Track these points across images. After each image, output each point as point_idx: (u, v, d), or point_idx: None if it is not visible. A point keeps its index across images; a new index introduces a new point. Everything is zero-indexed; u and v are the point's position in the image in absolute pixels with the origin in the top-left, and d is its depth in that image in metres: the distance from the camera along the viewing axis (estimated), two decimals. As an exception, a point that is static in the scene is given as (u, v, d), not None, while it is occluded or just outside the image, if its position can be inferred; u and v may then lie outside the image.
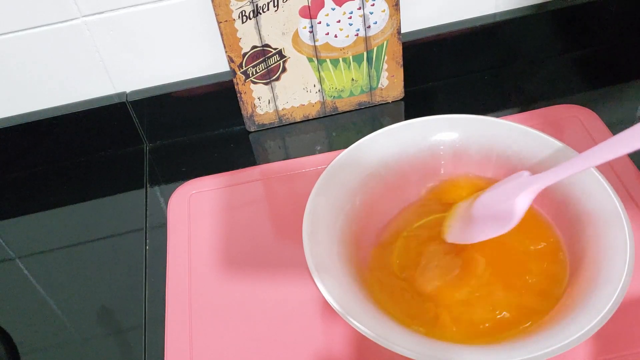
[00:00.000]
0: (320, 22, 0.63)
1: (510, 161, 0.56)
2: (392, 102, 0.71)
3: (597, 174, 0.51)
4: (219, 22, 0.62)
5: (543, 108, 0.67)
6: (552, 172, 0.46)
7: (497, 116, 0.61)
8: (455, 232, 0.53)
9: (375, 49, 0.66)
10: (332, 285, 0.47)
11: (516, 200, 0.47)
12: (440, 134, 0.58)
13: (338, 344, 0.51)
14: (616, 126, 0.64)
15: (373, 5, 0.63)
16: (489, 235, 0.49)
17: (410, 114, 0.70)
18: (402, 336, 0.45)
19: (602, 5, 0.70)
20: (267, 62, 0.66)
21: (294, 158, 0.66)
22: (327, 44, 0.65)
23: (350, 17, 0.64)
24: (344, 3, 0.62)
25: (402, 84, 0.70)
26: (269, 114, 0.70)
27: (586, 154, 0.44)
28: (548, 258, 0.52)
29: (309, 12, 0.63)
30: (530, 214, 0.55)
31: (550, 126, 0.64)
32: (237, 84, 0.67)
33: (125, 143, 0.72)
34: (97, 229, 0.65)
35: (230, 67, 0.66)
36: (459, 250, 0.53)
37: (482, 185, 0.57)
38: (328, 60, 0.66)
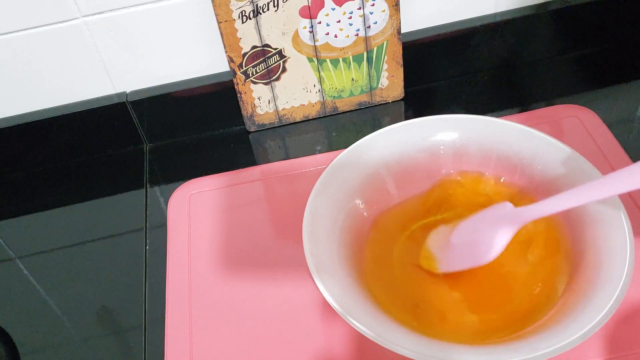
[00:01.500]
0: (320, 22, 0.63)
1: (510, 161, 0.56)
2: (392, 102, 0.71)
3: (597, 174, 0.51)
4: (219, 22, 0.62)
5: (543, 108, 0.67)
6: (538, 206, 0.44)
7: (497, 116, 0.61)
8: (431, 258, 0.51)
9: (375, 49, 0.66)
10: (332, 285, 0.47)
11: (497, 234, 0.45)
12: (440, 134, 0.58)
13: (338, 344, 0.51)
14: (616, 126, 0.64)
15: (373, 5, 0.63)
16: (465, 266, 0.48)
17: (410, 114, 0.70)
18: (402, 336, 0.45)
19: (602, 5, 0.70)
20: (267, 62, 0.66)
21: (294, 158, 0.66)
22: (327, 44, 0.65)
23: (350, 17, 0.64)
24: (344, 3, 0.62)
25: (402, 84, 0.70)
26: (269, 114, 0.70)
27: (576, 191, 0.43)
28: (548, 256, 0.52)
29: (309, 12, 0.63)
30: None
31: (550, 126, 0.64)
32: (237, 84, 0.67)
33: (125, 143, 0.72)
34: (97, 229, 0.65)
35: (230, 67, 0.66)
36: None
37: (483, 186, 0.57)
38: (328, 60, 0.66)
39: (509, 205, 0.47)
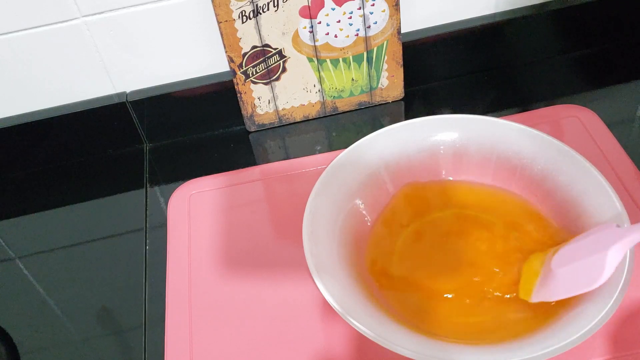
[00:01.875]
0: (320, 22, 0.63)
1: (510, 161, 0.56)
2: (392, 102, 0.71)
3: (597, 174, 0.51)
4: (219, 22, 0.62)
5: (543, 108, 0.67)
6: None
7: (497, 116, 0.61)
8: (534, 288, 0.49)
9: (375, 49, 0.66)
10: (332, 285, 0.47)
11: (608, 252, 0.43)
12: (440, 134, 0.58)
13: (338, 344, 0.51)
14: (616, 126, 0.64)
15: (373, 5, 0.63)
16: (573, 293, 0.45)
17: (410, 114, 0.70)
18: (402, 336, 0.45)
19: (602, 5, 0.70)
20: (267, 62, 0.66)
21: (294, 158, 0.66)
22: (327, 44, 0.65)
23: (350, 17, 0.64)
24: (344, 3, 0.62)
25: (402, 84, 0.70)
26: (269, 114, 0.70)
27: None
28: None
29: (309, 12, 0.63)
30: (530, 212, 0.55)
31: (550, 126, 0.64)
32: (237, 84, 0.67)
33: (125, 143, 0.72)
34: (97, 229, 0.65)
35: (230, 67, 0.66)
36: (461, 248, 0.53)
37: (483, 188, 0.57)
38: (328, 60, 0.66)
39: (613, 225, 0.45)
